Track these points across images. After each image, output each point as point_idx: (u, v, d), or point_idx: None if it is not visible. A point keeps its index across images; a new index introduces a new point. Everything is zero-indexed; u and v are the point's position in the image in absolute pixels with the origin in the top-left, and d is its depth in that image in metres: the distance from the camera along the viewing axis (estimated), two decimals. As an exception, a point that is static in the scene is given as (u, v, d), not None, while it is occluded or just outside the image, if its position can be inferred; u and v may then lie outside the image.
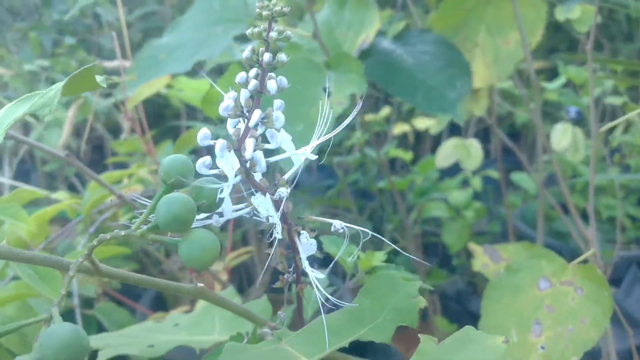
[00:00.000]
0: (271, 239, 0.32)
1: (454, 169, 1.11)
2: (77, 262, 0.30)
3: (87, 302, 0.78)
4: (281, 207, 0.33)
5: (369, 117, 1.31)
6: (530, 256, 0.58)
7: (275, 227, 0.32)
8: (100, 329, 0.70)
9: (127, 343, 0.44)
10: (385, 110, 1.34)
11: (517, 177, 1.15)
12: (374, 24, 0.79)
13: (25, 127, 1.23)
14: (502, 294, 0.55)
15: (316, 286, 0.33)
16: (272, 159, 0.34)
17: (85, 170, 0.66)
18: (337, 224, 0.36)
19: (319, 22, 0.84)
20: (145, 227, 0.29)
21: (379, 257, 0.43)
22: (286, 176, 0.35)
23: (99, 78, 0.37)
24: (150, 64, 0.74)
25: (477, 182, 1.12)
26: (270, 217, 0.32)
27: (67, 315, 0.75)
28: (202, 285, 0.36)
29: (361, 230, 0.36)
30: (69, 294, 0.72)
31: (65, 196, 0.81)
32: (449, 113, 0.72)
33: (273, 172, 0.36)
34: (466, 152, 0.96)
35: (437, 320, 1.01)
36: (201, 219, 0.32)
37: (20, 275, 0.61)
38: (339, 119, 0.69)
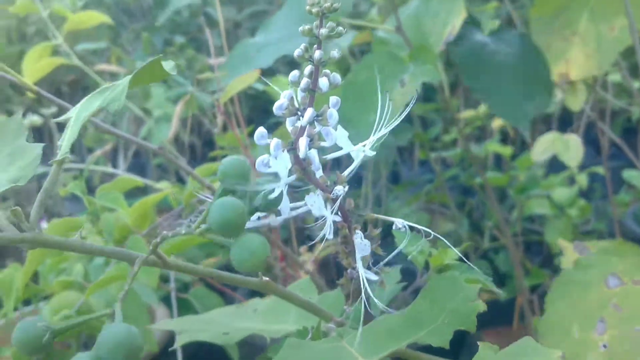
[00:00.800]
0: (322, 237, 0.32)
1: (560, 166, 1.06)
2: (142, 258, 0.32)
3: (185, 287, 0.82)
4: (336, 206, 0.33)
5: (469, 113, 1.28)
6: (601, 252, 0.55)
7: (327, 226, 0.32)
8: (193, 312, 0.74)
9: (203, 329, 0.46)
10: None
11: (629, 174, 1.08)
12: (460, 14, 0.77)
13: (137, 121, 1.32)
14: (569, 290, 0.53)
15: (364, 288, 0.33)
16: (329, 156, 0.34)
17: (175, 162, 0.69)
18: (399, 222, 0.35)
19: (407, 15, 0.84)
20: (203, 226, 0.30)
21: (451, 255, 0.42)
22: (345, 173, 0.35)
23: (168, 66, 0.38)
24: (242, 61, 0.77)
25: (583, 179, 1.06)
26: (323, 217, 0.32)
27: (164, 298, 0.79)
28: (267, 279, 0.37)
29: (424, 230, 0.35)
30: (166, 279, 0.77)
31: (166, 186, 0.86)
32: (518, 124, 0.70)
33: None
34: (564, 146, 0.92)
35: (535, 321, 0.97)
36: (257, 219, 0.33)
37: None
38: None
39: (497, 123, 1.26)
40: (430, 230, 0.35)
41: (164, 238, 0.31)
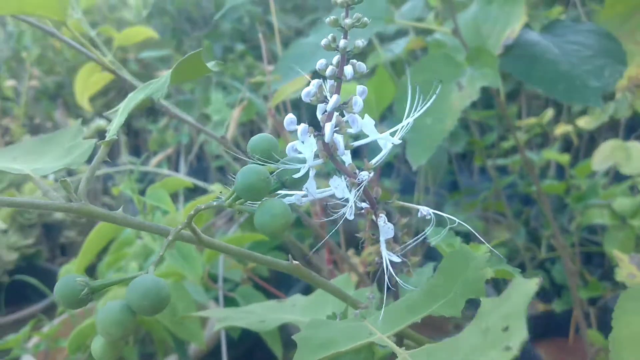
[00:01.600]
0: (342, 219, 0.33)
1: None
2: (177, 230, 0.34)
3: (235, 286, 0.84)
4: (360, 190, 0.34)
5: (530, 120, 1.26)
6: None
7: (349, 209, 0.33)
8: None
9: (242, 317, 0.48)
10: (550, 113, 1.27)
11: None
12: (520, 18, 0.77)
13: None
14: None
15: (387, 268, 0.33)
16: (355, 143, 0.35)
17: (234, 150, 0.71)
18: (424, 209, 0.36)
19: (466, 20, 0.83)
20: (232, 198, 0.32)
21: (480, 250, 0.42)
22: (374, 161, 0.36)
23: (210, 63, 0.40)
24: (296, 62, 0.78)
25: (647, 189, 1.02)
26: (346, 199, 0.33)
27: (214, 296, 0.82)
28: (297, 262, 0.38)
29: (448, 217, 0.36)
30: (216, 278, 0.79)
31: (219, 187, 0.88)
32: (590, 102, 0.68)
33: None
34: (625, 154, 0.89)
35: (591, 334, 0.94)
36: (285, 197, 0.34)
37: (165, 256, 0.69)
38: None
39: (560, 130, 1.23)
40: (455, 218, 0.36)
41: (197, 211, 0.33)
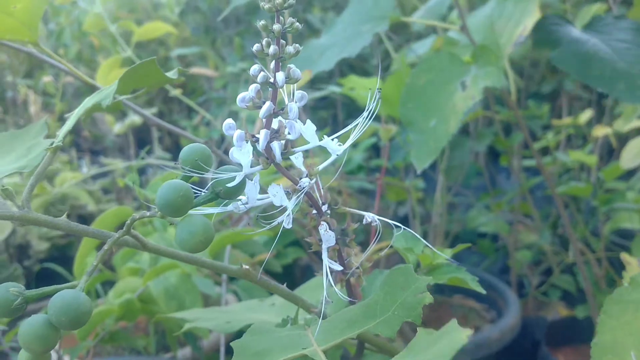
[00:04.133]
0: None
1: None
2: (114, 238, 0.34)
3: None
4: (301, 197, 0.33)
5: (566, 120, 1.21)
6: None
7: (287, 219, 0.33)
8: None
9: (211, 319, 0.48)
10: (588, 113, 1.22)
11: None
12: (533, 15, 0.74)
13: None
14: (624, 310, 0.48)
15: (327, 277, 0.33)
16: (296, 150, 0.35)
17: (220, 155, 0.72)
18: (369, 216, 0.35)
19: (482, 16, 0.81)
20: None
21: (441, 256, 0.41)
22: (321, 166, 0.36)
23: (170, 72, 0.41)
24: (305, 64, 0.78)
25: (681, 193, 0.97)
26: (283, 207, 0.33)
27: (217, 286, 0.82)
28: (247, 267, 0.38)
29: (394, 224, 0.35)
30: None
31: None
32: None
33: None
34: (657, 151, 0.85)
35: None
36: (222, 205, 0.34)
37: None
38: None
39: (598, 132, 1.19)
40: (401, 225, 0.35)
41: (134, 220, 0.33)
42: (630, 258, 0.65)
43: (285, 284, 0.40)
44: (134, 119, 1.32)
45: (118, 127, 1.31)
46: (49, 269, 1.13)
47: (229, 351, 0.81)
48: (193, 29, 1.38)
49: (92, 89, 0.66)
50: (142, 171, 1.43)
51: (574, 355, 0.98)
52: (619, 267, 1.11)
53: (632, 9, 0.82)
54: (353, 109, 1.50)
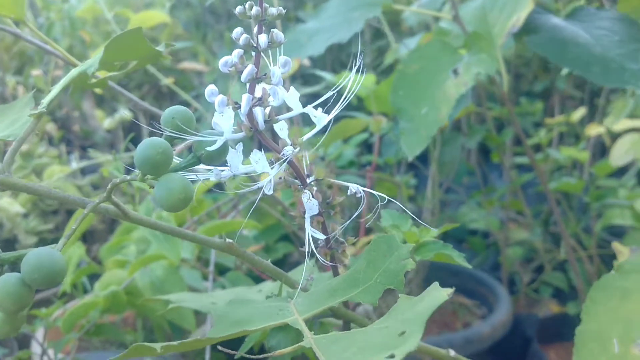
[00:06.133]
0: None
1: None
2: (94, 203, 0.33)
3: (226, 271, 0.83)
4: (283, 165, 0.33)
5: (559, 118, 1.21)
6: None
7: (268, 185, 0.32)
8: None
9: (196, 300, 0.48)
10: (581, 111, 1.22)
11: None
12: (527, 6, 0.74)
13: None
14: (609, 296, 0.47)
15: (310, 245, 0.32)
16: (280, 117, 0.34)
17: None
18: (354, 187, 0.35)
19: (474, 7, 0.81)
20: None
21: (428, 234, 0.40)
22: (306, 137, 0.35)
23: (160, 46, 0.40)
24: (293, 48, 0.77)
25: (672, 189, 0.97)
26: (264, 175, 0.32)
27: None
28: (230, 240, 0.37)
29: (378, 195, 0.34)
30: (208, 262, 0.79)
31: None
32: (630, 84, 0.64)
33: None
34: (647, 148, 0.84)
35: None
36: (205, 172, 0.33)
37: (147, 235, 0.69)
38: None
39: (591, 130, 1.19)
40: (385, 196, 0.34)
41: (114, 184, 0.32)
42: (621, 247, 0.65)
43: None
44: (126, 113, 1.31)
45: (108, 122, 1.30)
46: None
47: (215, 347, 0.80)
48: (184, 23, 1.38)
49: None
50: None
51: (565, 352, 0.97)
52: (611, 264, 1.10)
53: (619, 3, 0.82)
54: (348, 107, 1.49)
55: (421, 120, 0.68)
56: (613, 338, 0.46)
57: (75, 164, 1.23)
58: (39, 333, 0.79)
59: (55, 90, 0.37)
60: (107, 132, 1.42)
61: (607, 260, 1.08)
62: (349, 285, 0.32)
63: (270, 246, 1.03)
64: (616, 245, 0.65)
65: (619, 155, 0.89)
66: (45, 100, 0.37)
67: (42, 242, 1.18)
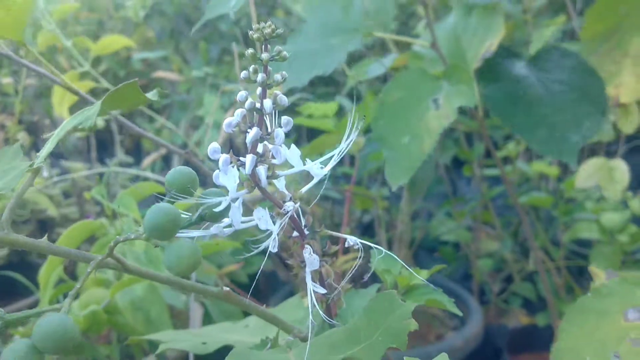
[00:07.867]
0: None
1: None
2: (97, 260, 0.34)
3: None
4: (285, 220, 0.34)
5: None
6: (623, 282, 0.52)
7: (271, 240, 0.33)
8: (207, 315, 0.76)
9: (187, 340, 0.48)
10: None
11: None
12: (499, 32, 0.76)
13: (194, 127, 1.37)
14: (585, 318, 0.50)
15: (311, 301, 0.33)
16: (281, 174, 0.35)
17: (200, 166, 0.71)
18: (352, 239, 0.36)
19: (445, 30, 0.82)
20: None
21: (419, 276, 0.41)
22: (303, 190, 0.36)
23: (151, 93, 0.41)
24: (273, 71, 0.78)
25: (636, 205, 1.01)
26: (269, 231, 0.33)
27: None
28: (227, 289, 0.38)
29: (375, 247, 0.36)
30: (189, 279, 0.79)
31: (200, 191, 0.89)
32: (566, 158, 0.67)
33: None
34: (609, 176, 0.87)
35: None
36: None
37: (132, 259, 0.69)
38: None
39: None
40: (381, 249, 0.35)
41: (117, 242, 0.33)
42: (597, 270, 0.67)
43: (250, 292, 0.40)
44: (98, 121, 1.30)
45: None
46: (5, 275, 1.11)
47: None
48: (158, 32, 1.37)
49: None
50: (101, 174, 1.40)
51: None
52: (578, 275, 1.14)
53: (583, 28, 0.84)
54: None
55: (403, 149, 0.68)
56: (587, 357, 0.49)
57: (46, 173, 1.22)
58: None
59: (51, 144, 0.37)
60: (78, 139, 1.40)
61: (575, 272, 1.12)
62: (351, 340, 0.33)
63: (247, 260, 1.04)
64: (592, 269, 0.68)
65: (584, 178, 0.92)
66: (42, 155, 0.37)
67: (13, 252, 1.16)
